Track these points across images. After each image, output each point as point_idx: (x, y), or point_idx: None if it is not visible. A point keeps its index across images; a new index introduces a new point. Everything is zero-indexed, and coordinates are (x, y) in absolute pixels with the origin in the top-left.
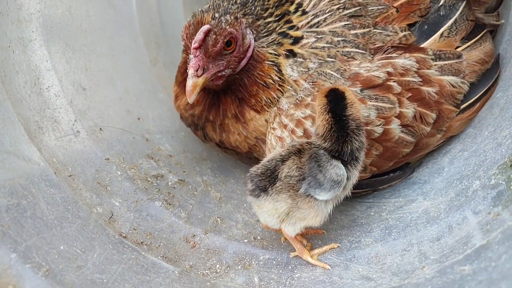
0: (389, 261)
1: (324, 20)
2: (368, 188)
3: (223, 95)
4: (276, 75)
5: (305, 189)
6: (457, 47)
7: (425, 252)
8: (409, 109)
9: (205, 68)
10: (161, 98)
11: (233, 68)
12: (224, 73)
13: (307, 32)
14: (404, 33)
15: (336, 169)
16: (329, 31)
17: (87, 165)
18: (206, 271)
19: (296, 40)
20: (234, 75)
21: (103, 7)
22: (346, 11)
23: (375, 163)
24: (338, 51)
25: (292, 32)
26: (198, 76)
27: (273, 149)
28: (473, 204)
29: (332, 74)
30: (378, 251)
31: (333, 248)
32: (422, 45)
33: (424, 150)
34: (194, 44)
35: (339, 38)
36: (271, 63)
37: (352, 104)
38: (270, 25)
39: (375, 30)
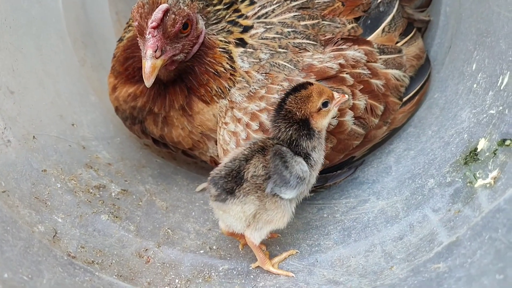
0: (354, 263)
1: (273, 11)
2: (317, 184)
3: (172, 85)
4: (227, 63)
5: (271, 188)
6: (397, 42)
7: (390, 252)
8: (361, 101)
9: (163, 49)
10: (93, 101)
11: (186, 54)
12: (178, 57)
13: (256, 22)
14: (352, 25)
15: (301, 165)
16: (279, 22)
17: (22, 178)
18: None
19: (246, 29)
20: (185, 62)
21: (29, 1)
22: (294, 3)
23: (328, 155)
24: (289, 42)
25: (241, 21)
26: (156, 58)
27: (226, 145)
28: (431, 202)
29: (285, 65)
30: (341, 254)
31: (292, 254)
32: (368, 39)
33: (371, 142)
34: (152, 24)
35: (289, 29)
36: (222, 50)
37: (300, 99)
38: (219, 12)
39: (324, 22)
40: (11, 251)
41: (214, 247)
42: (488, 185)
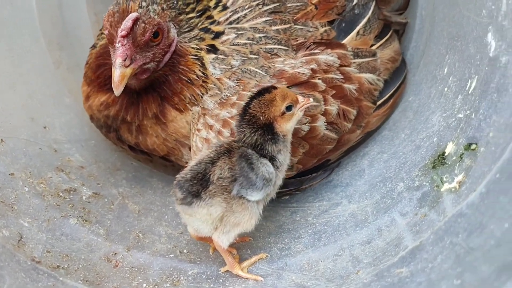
0: (322, 267)
1: (244, 16)
2: (292, 187)
3: (144, 94)
4: (199, 70)
5: (237, 191)
6: (372, 45)
7: (357, 256)
8: (333, 107)
9: (133, 58)
10: (67, 103)
11: (157, 62)
12: (149, 66)
13: (228, 28)
14: (324, 28)
15: (266, 167)
16: (250, 27)
17: None
18: None
19: (217, 35)
20: (157, 71)
21: (0, 1)
22: (266, 7)
23: (301, 160)
24: (261, 48)
25: (213, 27)
26: (126, 66)
27: (199, 152)
28: (400, 206)
29: (256, 71)
30: (310, 258)
31: (262, 258)
32: (342, 42)
33: (345, 146)
34: (122, 32)
35: (261, 35)
36: (194, 57)
37: (264, 103)
38: (192, 20)
39: (295, 26)
40: None
41: (185, 250)
42: (453, 189)
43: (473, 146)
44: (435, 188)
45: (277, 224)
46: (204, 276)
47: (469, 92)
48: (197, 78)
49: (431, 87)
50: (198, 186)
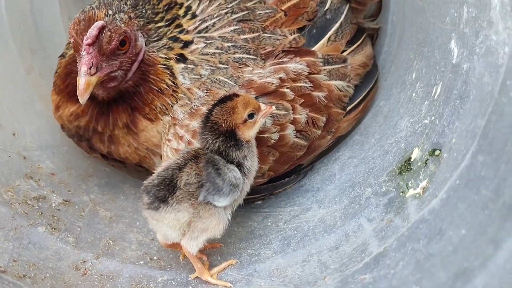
0: (291, 273)
1: (213, 25)
2: (265, 193)
3: (115, 104)
4: (169, 79)
5: (204, 196)
6: (343, 51)
7: (325, 262)
8: (302, 115)
9: (98, 66)
10: (39, 109)
11: (125, 71)
12: (116, 74)
13: (196, 37)
14: (293, 35)
15: (234, 172)
16: (219, 36)
17: None
18: None
19: (186, 44)
20: (127, 81)
21: None
22: (234, 16)
23: (272, 168)
24: (229, 57)
25: (182, 36)
26: (91, 75)
27: None
28: (367, 212)
29: (226, 81)
30: (279, 263)
31: (232, 264)
32: (312, 49)
33: (316, 151)
34: (87, 40)
35: (229, 44)
36: (163, 66)
37: (226, 111)
38: (161, 29)
39: (264, 35)
40: None
41: (155, 257)
42: (417, 195)
43: (437, 152)
44: (401, 193)
45: (248, 229)
46: (173, 283)
47: (435, 98)
48: (167, 88)
49: (400, 92)
50: (165, 192)
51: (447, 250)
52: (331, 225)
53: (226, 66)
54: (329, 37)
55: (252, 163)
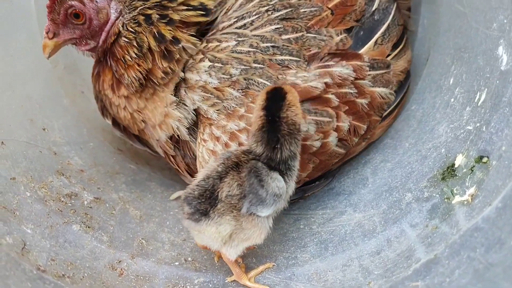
0: (331, 277)
1: (251, 23)
2: (295, 197)
3: (105, 64)
4: (134, 52)
5: (247, 208)
6: (388, 55)
7: (367, 267)
8: (345, 123)
9: (56, 33)
10: (65, 104)
11: (94, 40)
12: (85, 42)
13: (225, 34)
14: (340, 36)
15: (277, 181)
16: (255, 35)
17: None
18: None
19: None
20: (102, 47)
21: None
22: (276, 13)
23: (309, 174)
24: (266, 58)
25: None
26: (49, 38)
27: (205, 163)
28: (409, 217)
29: (264, 83)
30: (318, 267)
31: (269, 267)
32: (359, 52)
33: (349, 157)
34: (47, 10)
35: (268, 44)
36: (126, 40)
37: (290, 107)
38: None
39: (308, 35)
40: None
41: (189, 258)
42: (465, 202)
43: (484, 159)
44: (446, 200)
45: (280, 231)
46: (210, 285)
47: (478, 105)
48: (130, 59)
49: (435, 97)
50: (206, 205)
51: (509, 260)
52: (370, 230)
53: (262, 66)
54: (376, 40)
55: (297, 162)
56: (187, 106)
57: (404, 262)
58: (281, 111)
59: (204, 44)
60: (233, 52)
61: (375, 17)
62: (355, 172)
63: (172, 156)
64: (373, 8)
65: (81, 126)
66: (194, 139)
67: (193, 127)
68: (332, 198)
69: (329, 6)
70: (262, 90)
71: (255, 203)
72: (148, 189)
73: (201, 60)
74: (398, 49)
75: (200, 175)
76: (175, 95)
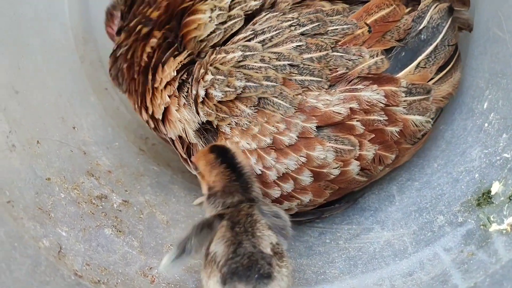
0: None
1: (270, 39)
2: (311, 217)
3: None
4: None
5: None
6: (431, 78)
7: None
8: (370, 152)
9: None
10: (92, 102)
11: None
12: None
13: (233, 45)
14: (375, 59)
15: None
16: (271, 52)
17: (26, 187)
18: None
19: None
20: None
21: None
22: (301, 29)
23: (327, 199)
24: (283, 77)
25: None
26: None
27: None
28: (442, 241)
29: (280, 103)
30: (348, 284)
31: None
32: (396, 76)
33: (371, 181)
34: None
35: (285, 62)
36: None
37: (237, 153)
38: None
39: (333, 54)
40: (19, 271)
41: None
42: (504, 231)
43: None
44: (482, 227)
45: (306, 244)
46: None
47: None
48: None
49: (466, 119)
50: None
51: None
52: (401, 250)
53: (274, 84)
54: (418, 63)
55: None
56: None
57: (439, 286)
58: (235, 158)
59: (213, 56)
60: (239, 67)
61: (422, 36)
62: (379, 188)
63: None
64: (421, 26)
65: (107, 125)
66: (204, 144)
67: (205, 131)
68: (357, 213)
69: (368, 21)
70: (200, 154)
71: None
72: (172, 192)
73: (205, 73)
74: (444, 71)
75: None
76: None
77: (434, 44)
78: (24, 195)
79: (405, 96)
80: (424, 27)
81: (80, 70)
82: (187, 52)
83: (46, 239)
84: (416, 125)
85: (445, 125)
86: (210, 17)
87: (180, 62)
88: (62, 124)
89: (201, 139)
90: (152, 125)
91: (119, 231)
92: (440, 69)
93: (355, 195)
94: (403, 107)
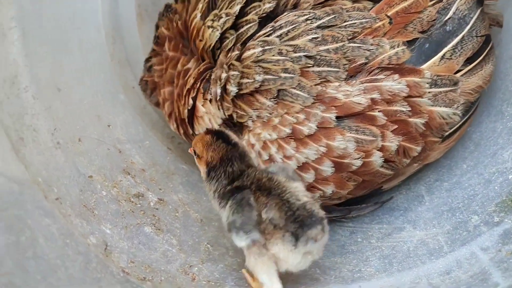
0: None
1: (287, 34)
2: (338, 214)
3: None
4: None
5: None
6: (458, 70)
7: (438, 286)
8: (393, 143)
9: None
10: (123, 100)
11: None
12: None
13: (254, 42)
14: (396, 49)
15: None
16: (288, 45)
17: (71, 184)
18: None
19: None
20: None
21: None
22: (318, 22)
23: (351, 191)
24: (301, 68)
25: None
26: None
27: None
28: (479, 240)
29: (299, 94)
30: (384, 283)
31: None
32: (420, 67)
33: (399, 177)
34: None
35: (301, 54)
36: None
37: (231, 134)
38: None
39: (350, 45)
40: (73, 267)
41: None
42: None
43: None
44: None
45: (338, 243)
46: None
47: None
48: None
49: (495, 121)
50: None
51: None
52: (436, 249)
53: (292, 75)
54: (443, 55)
55: None
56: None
57: (479, 285)
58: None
59: (229, 54)
60: (258, 61)
61: (447, 27)
62: (407, 188)
63: None
64: (447, 18)
65: (137, 123)
66: None
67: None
68: (386, 213)
69: (389, 13)
70: (197, 138)
71: None
72: (202, 191)
73: (221, 72)
74: (474, 63)
75: None
76: None
77: (461, 35)
78: (70, 192)
79: (430, 88)
80: (449, 18)
81: (111, 68)
82: (204, 62)
83: (92, 236)
84: (443, 117)
85: (472, 127)
86: (211, 26)
87: (198, 70)
88: (99, 122)
89: None
90: (182, 131)
91: (158, 229)
92: (469, 61)
93: (382, 197)
94: (428, 99)
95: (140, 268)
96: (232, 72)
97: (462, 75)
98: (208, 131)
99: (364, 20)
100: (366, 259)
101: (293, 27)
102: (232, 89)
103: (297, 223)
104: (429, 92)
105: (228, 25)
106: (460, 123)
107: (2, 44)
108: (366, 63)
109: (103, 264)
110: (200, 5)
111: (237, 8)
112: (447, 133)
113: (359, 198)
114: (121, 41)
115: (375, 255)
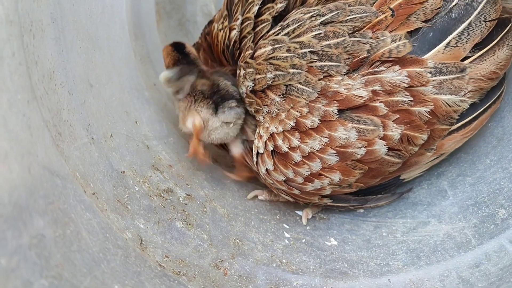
0: (429, 286)
1: (293, 31)
2: (355, 204)
3: None
4: None
5: None
6: (465, 57)
7: (467, 279)
8: (395, 132)
9: None
10: (147, 97)
11: None
12: None
13: (264, 41)
14: (397, 43)
15: None
16: (294, 42)
17: (105, 179)
18: None
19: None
20: None
21: None
22: (321, 18)
23: (361, 180)
24: (307, 63)
25: None
26: None
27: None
28: (507, 233)
29: (304, 89)
30: (413, 276)
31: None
32: (422, 57)
33: (413, 166)
34: None
35: (306, 50)
36: None
37: (188, 46)
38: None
39: (350, 39)
40: (114, 261)
41: (284, 260)
42: None
43: None
44: None
45: (363, 238)
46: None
47: None
48: None
49: None
50: None
51: None
52: (464, 243)
53: (300, 71)
54: (448, 42)
55: None
56: None
57: (510, 277)
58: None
59: (242, 54)
60: (269, 59)
61: (453, 14)
62: (428, 183)
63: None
64: (452, 4)
65: (161, 120)
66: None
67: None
68: (409, 207)
69: (391, 6)
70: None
71: None
72: (226, 187)
73: (239, 70)
74: (485, 49)
75: None
76: None
77: (467, 21)
78: (104, 187)
79: (434, 76)
80: (455, 5)
81: (135, 65)
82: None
83: (128, 231)
84: (448, 104)
85: (494, 123)
86: (221, 29)
87: None
88: (127, 119)
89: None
90: None
91: (189, 224)
92: (479, 46)
93: (400, 188)
94: (433, 87)
95: (174, 263)
96: (248, 70)
97: (471, 62)
98: (173, 44)
99: (364, 14)
100: (393, 253)
101: (298, 25)
102: (248, 84)
103: (219, 97)
104: (433, 81)
105: (249, 28)
106: (478, 111)
107: (41, 40)
108: (367, 57)
109: (141, 258)
110: (216, 16)
111: (255, 9)
112: (460, 123)
113: (378, 189)
114: (142, 38)
115: (402, 249)
